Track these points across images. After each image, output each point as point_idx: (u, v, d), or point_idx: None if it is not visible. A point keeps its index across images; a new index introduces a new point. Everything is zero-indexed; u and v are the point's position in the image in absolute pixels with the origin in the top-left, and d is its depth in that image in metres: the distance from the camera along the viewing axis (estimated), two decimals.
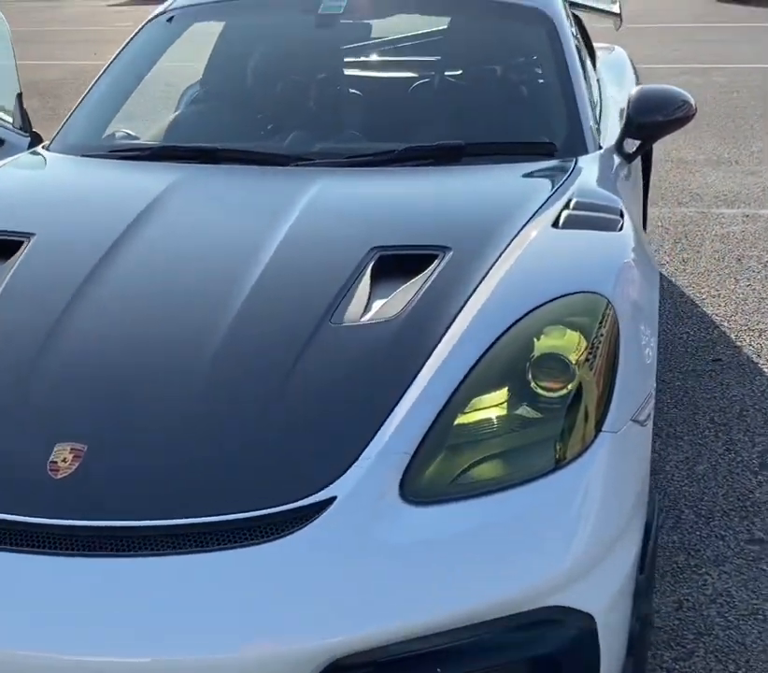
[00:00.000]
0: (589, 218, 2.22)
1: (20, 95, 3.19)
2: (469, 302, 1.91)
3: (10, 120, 3.18)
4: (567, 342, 1.82)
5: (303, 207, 2.28)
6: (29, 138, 3.11)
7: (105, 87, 3.06)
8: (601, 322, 1.87)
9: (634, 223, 2.37)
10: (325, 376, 1.79)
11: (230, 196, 2.54)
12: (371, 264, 2.04)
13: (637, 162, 3.42)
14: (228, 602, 1.49)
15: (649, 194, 4.80)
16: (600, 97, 3.37)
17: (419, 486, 1.64)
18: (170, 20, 3.14)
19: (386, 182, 2.54)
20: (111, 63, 3.11)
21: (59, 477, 1.62)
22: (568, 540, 1.65)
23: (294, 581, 1.52)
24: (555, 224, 2.18)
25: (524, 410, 1.76)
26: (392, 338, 1.85)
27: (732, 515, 2.75)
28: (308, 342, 1.84)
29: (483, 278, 1.98)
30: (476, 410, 1.75)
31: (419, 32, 3.42)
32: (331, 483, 1.61)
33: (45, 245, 2.19)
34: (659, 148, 6.83)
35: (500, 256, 2.04)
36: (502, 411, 1.77)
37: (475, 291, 1.94)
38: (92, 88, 3.06)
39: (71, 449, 1.66)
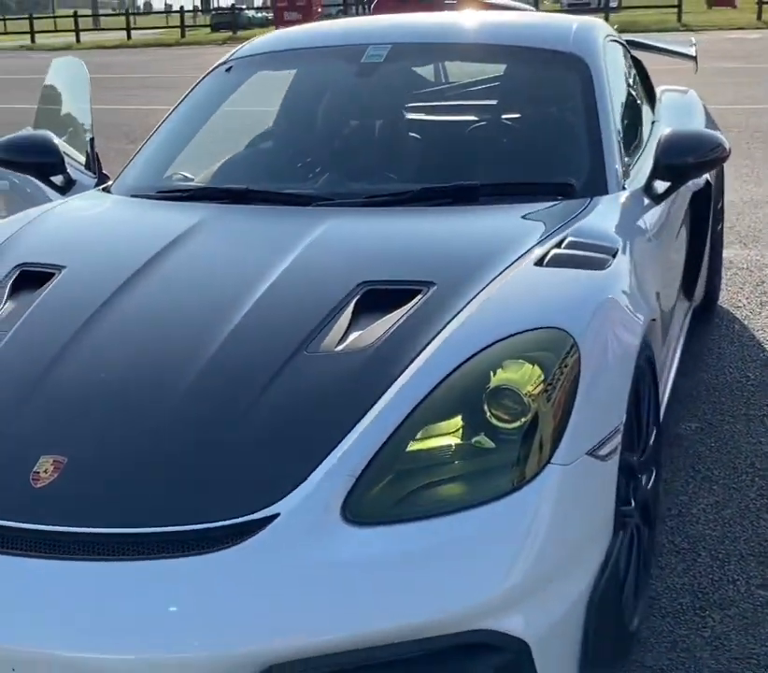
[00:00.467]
0: (575, 257, 2.28)
1: (92, 139, 3.45)
2: (439, 335, 2.01)
3: (83, 161, 3.43)
4: (524, 376, 1.89)
5: (307, 243, 2.43)
6: (96, 179, 3.35)
7: (165, 133, 3.28)
8: (564, 358, 1.93)
9: (645, 265, 2.43)
10: (290, 401, 1.91)
11: (246, 233, 2.71)
12: (356, 298, 2.15)
13: (687, 205, 3.46)
14: (161, 607, 1.62)
15: (727, 237, 4.76)
16: (648, 138, 3.41)
17: (361, 507, 1.74)
18: (229, 70, 3.36)
19: (393, 222, 2.67)
20: (174, 110, 3.34)
21: (38, 486, 1.79)
22: (505, 568, 1.72)
23: (228, 591, 1.64)
24: (539, 263, 2.26)
25: (478, 440, 1.84)
26: (360, 368, 1.96)
27: (750, 560, 2.73)
28: (281, 369, 1.97)
29: (459, 312, 2.07)
30: (429, 437, 1.84)
31: (458, 82, 3.55)
32: (276, 502, 1.73)
33: (71, 276, 2.39)
34: (738, 189, 6.76)
35: (480, 292, 2.13)
36: (455, 440, 1.85)
37: (447, 324, 2.03)
38: (153, 134, 3.28)
39: (53, 461, 1.82)
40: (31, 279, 2.41)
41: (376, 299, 2.16)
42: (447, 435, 1.85)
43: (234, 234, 2.73)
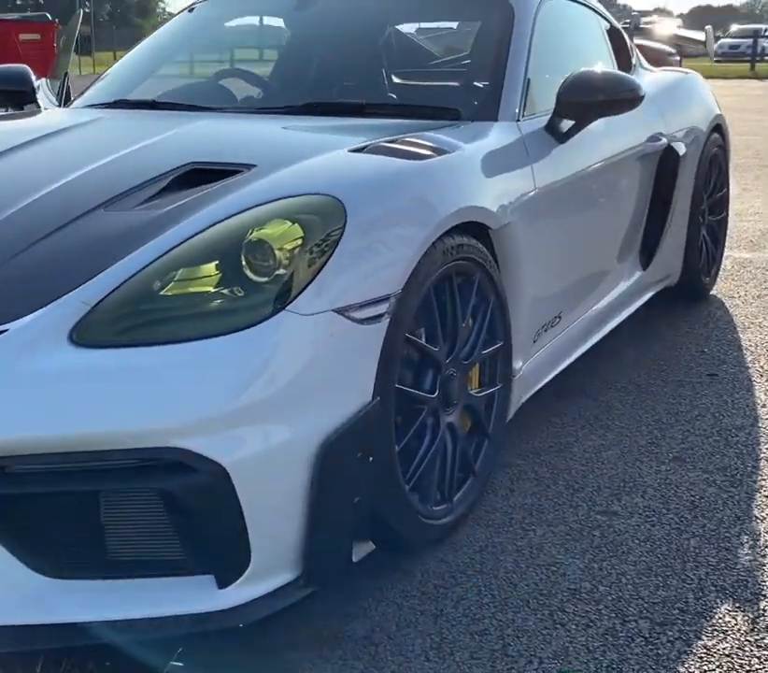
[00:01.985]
0: (396, 149, 2.36)
1: (65, 74, 3.75)
2: (222, 199, 2.12)
3: None
4: (282, 233, 1.98)
5: (166, 135, 2.63)
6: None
7: (124, 62, 3.62)
8: (330, 223, 2.01)
9: (493, 177, 2.50)
10: (63, 246, 2.06)
11: (121, 128, 2.99)
12: (178, 174, 2.29)
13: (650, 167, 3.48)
14: None
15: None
16: None
17: (89, 332, 1.86)
18: (191, 11, 3.63)
19: (256, 124, 2.86)
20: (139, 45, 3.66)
21: None
22: (213, 395, 1.81)
23: None
24: (357, 150, 2.35)
25: (231, 289, 1.94)
26: (143, 224, 2.09)
27: (605, 492, 2.71)
28: (73, 221, 2.13)
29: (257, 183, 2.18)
30: (184, 281, 1.95)
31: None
32: (14, 320, 1.87)
33: None
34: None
35: (286, 170, 2.24)
36: (208, 288, 1.95)
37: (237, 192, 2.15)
38: (115, 64, 3.61)
39: None
40: None
41: (199, 177, 2.28)
42: (200, 281, 1.95)
43: (111, 128, 2.98)
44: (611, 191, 3.42)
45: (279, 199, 2.07)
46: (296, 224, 2.00)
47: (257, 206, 2.05)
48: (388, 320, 2.06)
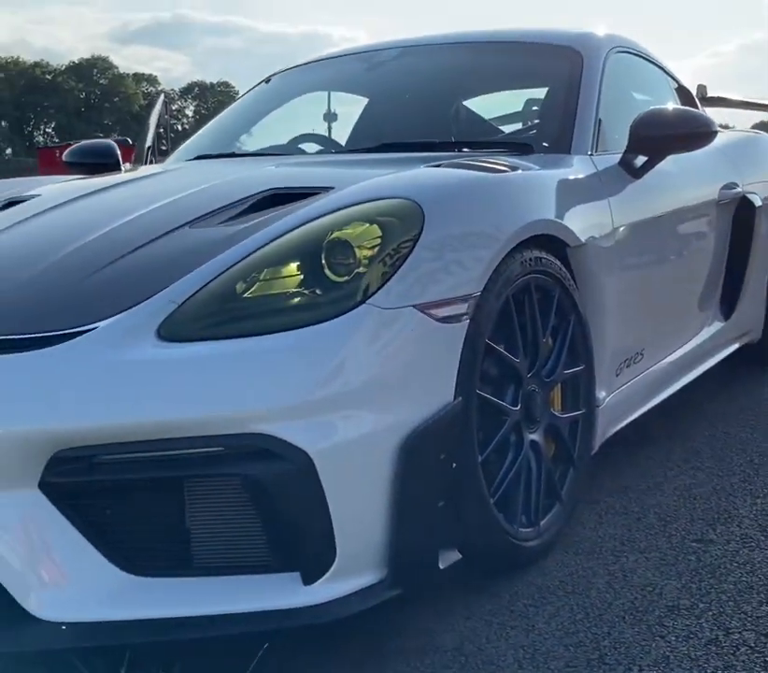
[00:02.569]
0: (471, 164, 2.41)
1: (149, 148, 3.95)
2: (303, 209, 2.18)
3: None
4: (362, 233, 2.01)
5: (250, 172, 2.74)
6: None
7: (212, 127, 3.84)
8: (409, 224, 2.04)
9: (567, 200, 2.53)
10: (157, 254, 2.12)
11: (211, 170, 3.08)
12: (260, 197, 2.35)
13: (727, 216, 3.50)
14: None
15: None
16: None
17: (176, 328, 1.89)
18: (267, 81, 3.79)
19: (333, 161, 2.93)
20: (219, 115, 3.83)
21: None
22: (296, 384, 1.81)
23: (35, 379, 1.81)
24: (435, 166, 2.41)
25: (309, 286, 1.96)
26: (228, 235, 2.13)
27: (699, 523, 2.61)
28: (161, 236, 2.19)
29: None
30: (263, 280, 1.97)
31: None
32: (101, 320, 1.91)
33: (42, 198, 2.75)
34: None
35: (365, 183, 2.29)
36: (290, 288, 1.97)
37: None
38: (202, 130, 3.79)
39: None
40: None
41: (280, 199, 2.34)
42: (283, 281, 1.98)
43: (196, 170, 3.11)
44: (689, 233, 3.42)
45: (359, 203, 2.11)
46: (375, 225, 2.03)
47: (338, 210, 2.09)
48: (467, 321, 2.06)
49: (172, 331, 1.88)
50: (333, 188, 2.35)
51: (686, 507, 2.73)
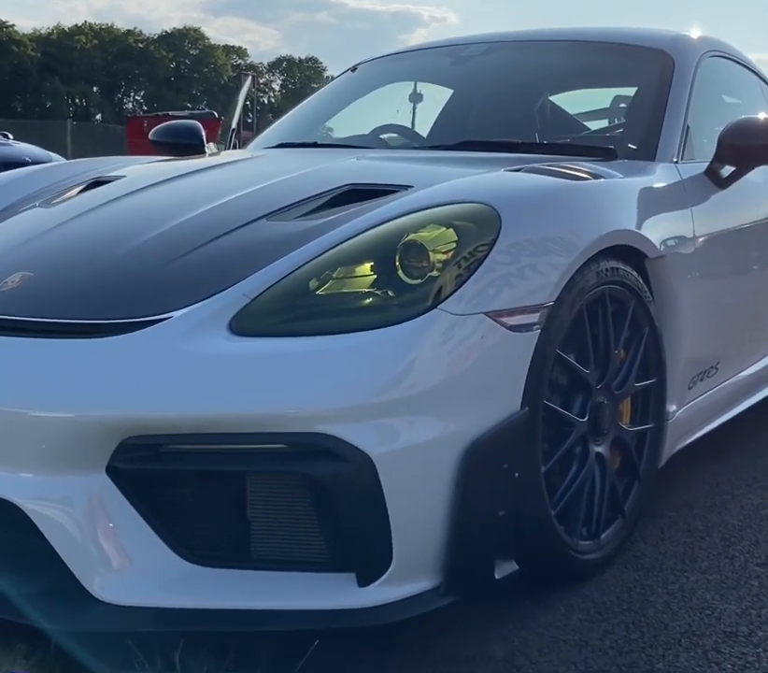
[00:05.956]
0: (552, 171, 2.37)
1: (233, 130, 4.03)
2: (381, 207, 2.16)
3: None
4: (437, 236, 1.99)
5: (329, 164, 2.74)
6: None
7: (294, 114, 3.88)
8: (485, 228, 2.01)
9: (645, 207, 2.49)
10: (232, 246, 2.12)
11: (291, 159, 3.09)
12: (338, 193, 2.34)
13: None
14: (52, 376, 1.84)
15: None
16: None
17: (248, 321, 1.89)
18: (354, 70, 3.82)
19: (412, 157, 2.92)
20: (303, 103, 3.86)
21: (2, 290, 2.09)
22: (365, 384, 1.80)
23: (104, 366, 1.83)
24: (514, 171, 2.37)
25: (381, 287, 1.95)
26: (305, 230, 2.13)
27: (764, 546, 2.55)
28: (237, 228, 2.19)
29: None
30: (336, 279, 1.97)
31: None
32: (175, 310, 1.92)
33: (125, 181, 2.78)
34: None
35: (444, 184, 2.27)
36: (362, 288, 1.97)
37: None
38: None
39: (22, 275, 2.13)
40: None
41: (358, 195, 2.33)
42: (356, 281, 1.97)
43: (275, 159, 3.12)
44: None
45: (436, 206, 2.09)
46: (451, 229, 2.01)
47: (414, 211, 2.08)
48: (539, 330, 2.03)
49: (243, 325, 1.89)
50: (411, 186, 2.33)
51: (752, 527, 2.68)
